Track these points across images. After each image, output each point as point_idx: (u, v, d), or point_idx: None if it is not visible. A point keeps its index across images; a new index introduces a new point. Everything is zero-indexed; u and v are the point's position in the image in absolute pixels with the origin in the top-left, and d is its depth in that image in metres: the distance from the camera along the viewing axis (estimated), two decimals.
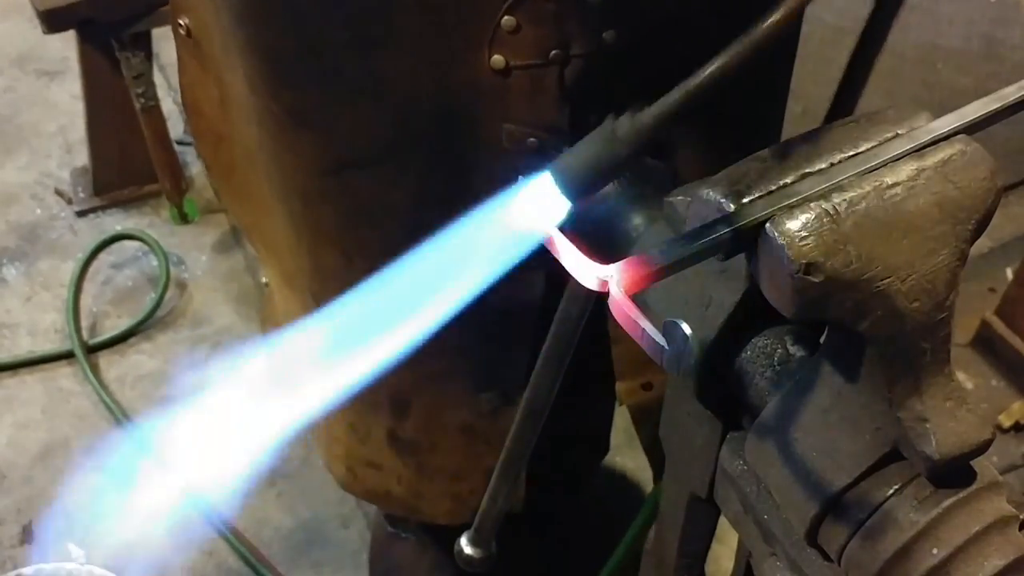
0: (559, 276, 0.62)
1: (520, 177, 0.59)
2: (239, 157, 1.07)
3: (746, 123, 0.94)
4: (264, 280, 2.03)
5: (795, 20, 0.49)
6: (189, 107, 1.10)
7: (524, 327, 0.97)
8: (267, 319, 1.44)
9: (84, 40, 2.06)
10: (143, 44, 2.04)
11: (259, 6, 0.85)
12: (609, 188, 0.78)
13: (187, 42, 1.02)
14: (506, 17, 0.78)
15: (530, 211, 0.57)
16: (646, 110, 0.53)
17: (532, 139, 0.84)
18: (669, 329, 0.53)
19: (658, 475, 1.44)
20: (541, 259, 0.58)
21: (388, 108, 0.86)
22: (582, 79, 0.81)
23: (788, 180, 0.55)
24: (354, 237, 0.97)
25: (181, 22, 1.01)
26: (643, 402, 1.14)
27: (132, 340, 2.05)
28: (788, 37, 0.98)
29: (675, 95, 0.52)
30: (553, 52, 0.80)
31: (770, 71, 0.98)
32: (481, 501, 0.98)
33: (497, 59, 0.80)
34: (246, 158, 1.04)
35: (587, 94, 0.83)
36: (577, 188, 0.57)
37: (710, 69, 0.50)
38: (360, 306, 0.65)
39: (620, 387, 1.13)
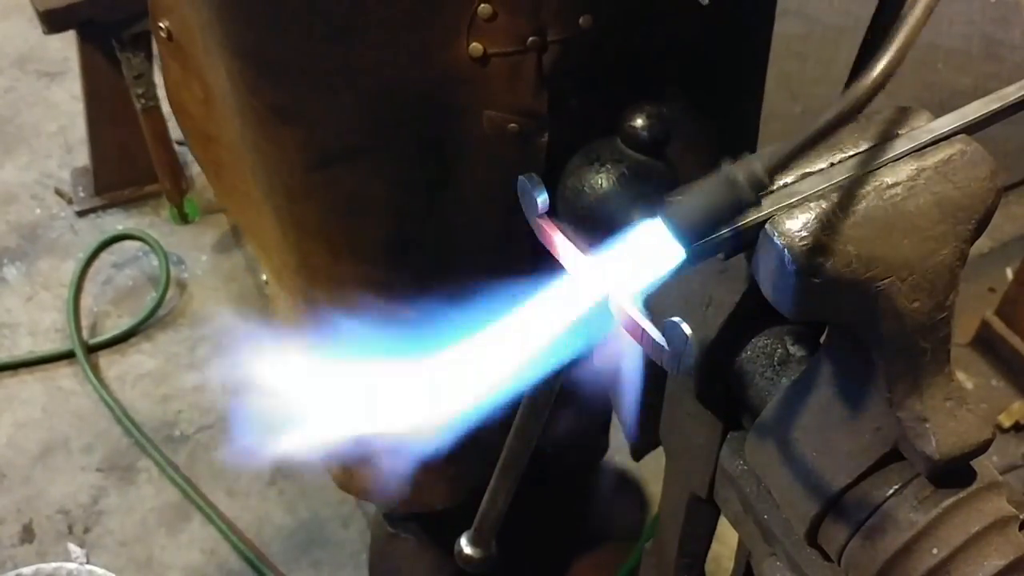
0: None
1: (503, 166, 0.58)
2: (227, 156, 1.07)
3: (727, 93, 0.94)
4: (264, 278, 2.02)
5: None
6: (176, 108, 1.10)
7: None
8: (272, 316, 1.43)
9: (84, 40, 2.05)
10: (143, 44, 2.03)
11: (238, 1, 0.85)
12: (608, 187, 0.78)
13: (168, 45, 1.02)
14: (482, 5, 0.78)
15: (643, 256, 0.55)
16: (763, 156, 0.51)
17: (513, 125, 0.84)
18: (669, 329, 0.53)
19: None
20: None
21: (369, 100, 0.86)
22: (560, 65, 0.81)
23: (788, 180, 0.55)
24: (340, 231, 0.97)
25: (161, 25, 1.01)
26: None
27: (132, 340, 2.05)
28: (765, 16, 0.98)
29: (795, 141, 0.50)
30: (530, 39, 0.80)
31: (749, 46, 0.98)
32: (475, 478, 0.97)
33: (475, 47, 0.80)
34: (233, 157, 1.05)
35: (565, 79, 0.83)
36: (695, 234, 0.54)
37: (829, 116, 0.49)
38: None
39: None
